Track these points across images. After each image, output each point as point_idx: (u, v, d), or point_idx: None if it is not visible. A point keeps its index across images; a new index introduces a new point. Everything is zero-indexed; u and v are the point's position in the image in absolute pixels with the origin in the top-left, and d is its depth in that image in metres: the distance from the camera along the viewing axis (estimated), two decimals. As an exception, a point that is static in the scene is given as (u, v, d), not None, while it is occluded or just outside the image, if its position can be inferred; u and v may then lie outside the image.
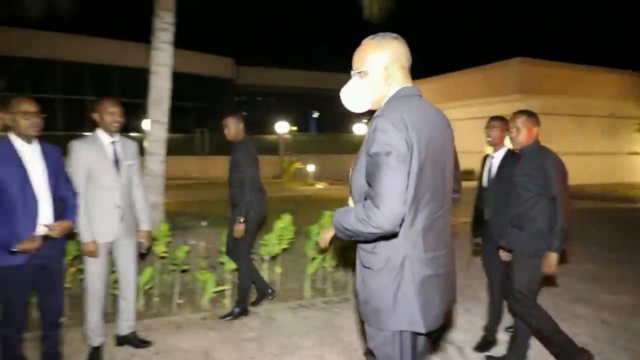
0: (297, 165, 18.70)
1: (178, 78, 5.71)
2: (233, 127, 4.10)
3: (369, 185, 1.63)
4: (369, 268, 1.74)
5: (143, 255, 4.02)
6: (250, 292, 4.20)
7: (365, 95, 1.79)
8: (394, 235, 1.65)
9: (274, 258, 4.71)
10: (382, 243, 1.70)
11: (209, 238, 5.38)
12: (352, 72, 1.80)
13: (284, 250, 4.72)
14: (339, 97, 1.84)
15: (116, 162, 3.23)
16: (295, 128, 23.98)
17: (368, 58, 1.75)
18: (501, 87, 15.96)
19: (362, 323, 2.07)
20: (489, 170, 3.62)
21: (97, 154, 3.16)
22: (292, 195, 12.36)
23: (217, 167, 18.93)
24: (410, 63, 1.79)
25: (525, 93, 15.38)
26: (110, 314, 3.80)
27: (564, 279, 5.15)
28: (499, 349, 3.42)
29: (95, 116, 3.21)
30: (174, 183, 13.12)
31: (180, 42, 5.69)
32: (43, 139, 2.84)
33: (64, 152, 3.04)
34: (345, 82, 1.86)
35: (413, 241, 1.68)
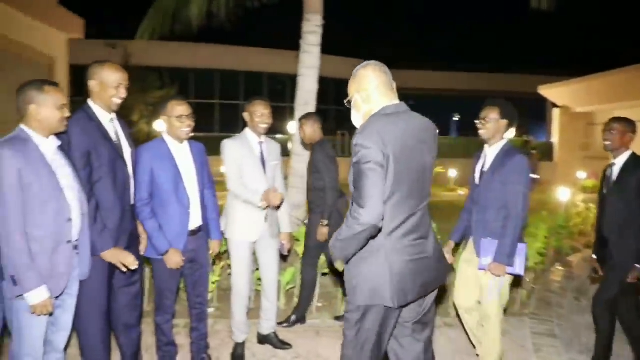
0: (438, 169, 17.92)
1: (321, 82, 5.76)
2: (309, 129, 3.88)
3: (355, 189, 1.91)
4: (360, 256, 1.98)
5: (285, 257, 4.06)
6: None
7: (358, 117, 2.14)
8: (379, 230, 1.91)
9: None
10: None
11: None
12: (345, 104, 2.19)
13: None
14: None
15: (263, 162, 3.27)
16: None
17: (349, 89, 2.13)
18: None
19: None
20: (609, 180, 3.08)
21: (246, 152, 3.22)
22: (432, 201, 11.72)
23: (356, 169, 19.04)
24: (386, 80, 2.09)
25: None
26: (254, 310, 3.89)
27: None
28: None
29: (246, 116, 3.28)
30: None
31: (322, 47, 5.75)
32: (203, 140, 2.98)
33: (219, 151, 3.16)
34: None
35: (392, 232, 1.97)
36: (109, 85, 2.49)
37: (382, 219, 1.89)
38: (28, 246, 1.99)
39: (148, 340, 3.15)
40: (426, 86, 27.68)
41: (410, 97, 30.95)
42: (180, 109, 2.81)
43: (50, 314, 2.13)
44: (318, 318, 4.02)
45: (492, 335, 2.92)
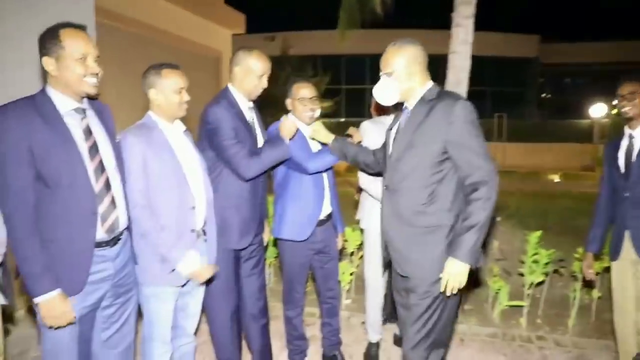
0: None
1: (476, 61, 5.19)
2: None
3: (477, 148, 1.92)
4: (426, 227, 2.00)
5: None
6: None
7: (393, 91, 2.10)
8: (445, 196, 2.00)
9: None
10: (436, 203, 1.99)
11: (504, 237, 4.68)
12: (380, 74, 2.12)
13: (605, 269, 3.59)
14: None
15: None
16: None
17: (392, 61, 2.07)
18: None
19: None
20: None
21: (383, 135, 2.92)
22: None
23: (515, 154, 17.37)
24: (427, 61, 2.11)
25: None
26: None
27: None
28: None
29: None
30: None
31: (478, 23, 5.16)
32: (356, 125, 2.84)
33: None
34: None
35: (461, 199, 2.00)
36: (253, 73, 2.42)
37: None
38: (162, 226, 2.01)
39: (281, 328, 3.11)
40: (604, 59, 23.86)
41: (584, 73, 27.22)
42: (304, 91, 2.64)
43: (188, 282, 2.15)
44: (463, 323, 3.58)
45: None
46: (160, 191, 2.01)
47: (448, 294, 1.96)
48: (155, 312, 2.11)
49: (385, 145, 2.28)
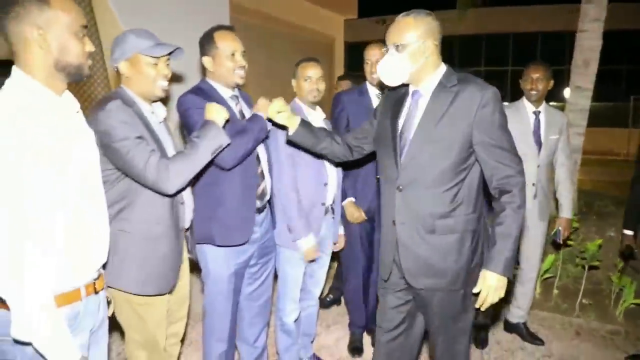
0: None
1: (609, 36, 4.76)
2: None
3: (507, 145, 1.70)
4: (450, 234, 1.74)
5: (558, 246, 3.62)
6: None
7: (404, 69, 1.76)
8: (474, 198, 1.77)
9: None
10: (461, 206, 1.74)
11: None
12: (388, 47, 1.78)
13: None
14: None
15: (537, 134, 2.93)
16: None
17: (406, 33, 1.74)
18: None
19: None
20: None
21: (518, 122, 2.89)
22: None
23: (655, 143, 15.43)
24: (441, 38, 1.79)
25: None
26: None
27: None
28: None
29: (522, 83, 3.00)
30: (594, 159, 11.57)
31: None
32: None
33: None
34: None
35: (482, 199, 1.82)
36: (367, 62, 2.75)
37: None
38: (298, 201, 2.28)
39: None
40: None
41: None
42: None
43: (312, 261, 2.42)
44: (580, 316, 3.47)
45: None
46: (302, 168, 2.30)
47: (484, 309, 1.73)
48: (290, 274, 2.43)
49: (382, 136, 1.90)
